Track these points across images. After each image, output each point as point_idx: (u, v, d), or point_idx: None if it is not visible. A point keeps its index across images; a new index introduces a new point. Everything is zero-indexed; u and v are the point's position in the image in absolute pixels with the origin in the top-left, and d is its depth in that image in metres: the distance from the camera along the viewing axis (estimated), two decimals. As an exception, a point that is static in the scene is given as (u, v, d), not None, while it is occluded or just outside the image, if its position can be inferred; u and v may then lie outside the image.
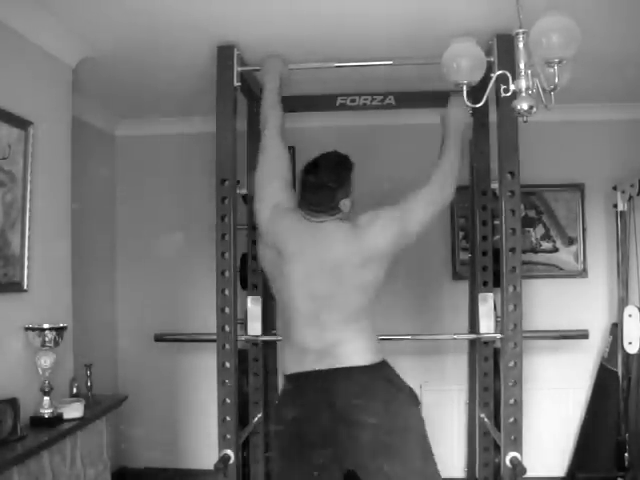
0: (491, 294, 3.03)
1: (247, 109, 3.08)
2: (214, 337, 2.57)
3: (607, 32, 2.54)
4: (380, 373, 2.05)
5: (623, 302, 3.50)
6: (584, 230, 3.79)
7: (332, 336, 2.02)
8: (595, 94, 3.43)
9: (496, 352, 3.03)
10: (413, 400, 2.07)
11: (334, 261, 2.03)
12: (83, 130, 3.35)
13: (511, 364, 2.45)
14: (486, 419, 3.03)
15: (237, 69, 2.64)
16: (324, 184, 2.08)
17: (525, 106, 1.63)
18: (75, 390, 2.59)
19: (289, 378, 2.10)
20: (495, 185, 2.75)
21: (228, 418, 2.54)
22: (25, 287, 2.34)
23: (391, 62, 2.59)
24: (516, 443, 2.41)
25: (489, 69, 1.99)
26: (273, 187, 2.20)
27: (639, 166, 3.50)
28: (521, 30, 1.68)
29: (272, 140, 2.30)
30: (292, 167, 3.64)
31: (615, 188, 3.56)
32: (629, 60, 2.88)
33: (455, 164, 2.21)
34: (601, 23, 2.43)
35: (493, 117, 2.66)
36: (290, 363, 2.10)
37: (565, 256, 3.80)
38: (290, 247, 2.07)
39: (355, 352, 2.02)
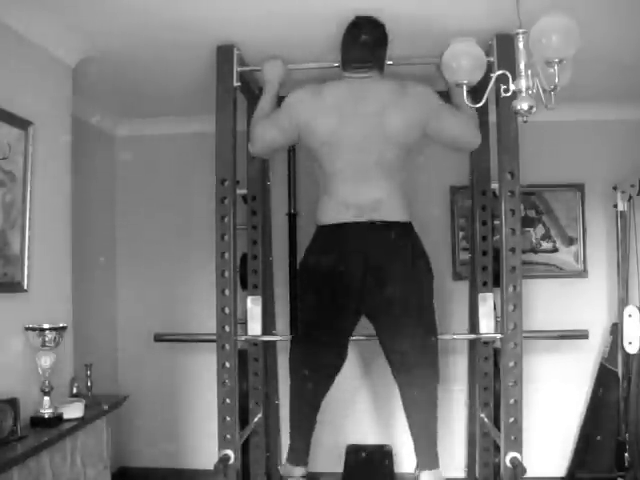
0: (491, 294, 3.03)
1: (247, 109, 3.08)
2: (214, 337, 2.57)
3: (607, 32, 2.54)
4: (411, 232, 2.36)
5: (623, 302, 3.50)
6: (584, 230, 3.79)
7: (373, 192, 2.29)
8: (595, 94, 3.42)
9: (496, 352, 3.04)
10: (430, 269, 2.40)
11: (381, 118, 2.30)
12: (83, 130, 3.35)
13: (511, 364, 2.45)
14: (486, 419, 3.03)
15: (237, 69, 2.65)
16: (375, 39, 2.34)
17: (525, 106, 1.63)
18: (75, 390, 2.59)
19: (327, 228, 2.34)
20: (495, 185, 2.76)
21: (228, 418, 2.54)
22: (25, 287, 2.34)
23: (391, 62, 2.59)
24: (516, 443, 2.41)
25: (489, 69, 1.99)
26: (286, 112, 2.45)
27: (639, 166, 3.50)
28: (521, 30, 1.67)
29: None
30: (293, 167, 3.67)
31: (615, 188, 3.56)
32: (629, 60, 2.88)
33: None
34: (601, 23, 2.43)
35: (493, 117, 2.66)
36: (328, 214, 2.34)
37: (565, 256, 3.80)
38: (341, 106, 2.33)
39: (395, 209, 2.30)
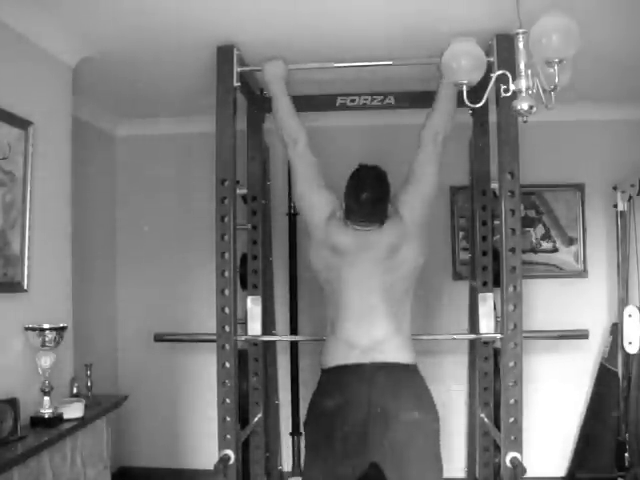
0: (491, 294, 3.03)
1: (247, 109, 3.08)
2: (214, 337, 2.57)
3: (607, 32, 2.54)
4: (417, 375, 2.27)
5: (623, 302, 3.50)
6: (584, 230, 3.79)
7: (378, 333, 2.21)
8: (595, 94, 3.42)
9: (496, 352, 3.03)
10: (436, 412, 2.25)
11: (380, 256, 2.25)
12: (83, 130, 3.35)
13: (511, 364, 2.45)
14: (486, 419, 3.03)
15: (237, 69, 2.64)
16: (378, 200, 2.27)
17: (525, 106, 1.63)
18: (75, 390, 2.59)
19: (331, 370, 2.26)
20: (495, 185, 2.75)
21: (228, 418, 2.54)
22: (25, 287, 2.34)
23: (391, 62, 2.59)
24: (516, 443, 2.41)
25: (489, 69, 1.98)
26: (324, 196, 2.37)
27: (639, 166, 3.50)
28: (521, 30, 1.67)
29: (307, 150, 2.42)
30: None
31: (615, 188, 3.56)
32: (629, 60, 2.88)
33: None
34: (601, 23, 2.43)
35: (493, 117, 2.66)
36: (333, 356, 2.26)
37: (565, 256, 3.80)
38: (347, 251, 2.27)
39: (397, 350, 2.23)
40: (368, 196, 2.26)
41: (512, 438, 2.42)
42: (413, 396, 2.22)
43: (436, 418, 2.26)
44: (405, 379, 2.23)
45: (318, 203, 2.36)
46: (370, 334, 2.22)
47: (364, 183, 2.29)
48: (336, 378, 2.24)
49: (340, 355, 2.24)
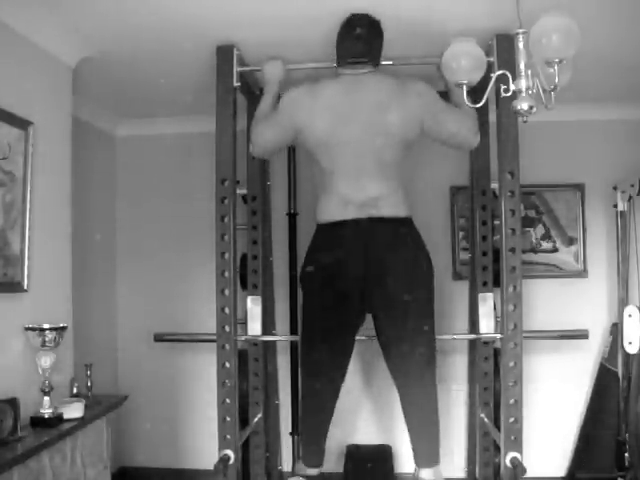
0: (491, 294, 3.03)
1: (247, 109, 3.08)
2: (214, 337, 2.58)
3: (607, 32, 2.54)
4: (412, 228, 2.35)
5: (623, 302, 3.50)
6: (584, 230, 3.79)
7: (372, 189, 2.28)
8: (595, 94, 3.42)
9: (496, 352, 3.04)
10: (430, 264, 2.37)
11: (379, 115, 2.30)
12: (83, 130, 3.35)
13: (511, 364, 2.45)
14: (486, 419, 3.03)
15: (237, 69, 2.65)
16: (370, 33, 2.34)
17: (525, 106, 1.63)
18: (75, 390, 2.59)
19: (327, 226, 2.34)
20: (495, 185, 2.75)
21: (228, 418, 2.54)
22: (25, 287, 2.34)
23: (391, 62, 2.59)
24: (516, 443, 2.41)
25: (489, 69, 1.99)
26: (283, 113, 2.44)
27: (639, 166, 3.50)
28: (521, 30, 1.68)
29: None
30: (293, 167, 3.66)
31: (615, 188, 3.56)
32: (629, 60, 2.88)
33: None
34: (601, 23, 2.43)
35: (493, 117, 2.66)
36: (329, 212, 2.34)
37: (565, 256, 3.80)
38: (339, 103, 2.33)
39: (392, 205, 2.30)
40: (361, 31, 2.33)
41: (512, 438, 2.42)
42: (409, 251, 2.30)
43: (431, 272, 2.36)
44: (401, 233, 2.31)
45: (296, 106, 2.40)
46: (365, 190, 2.28)
47: (356, 22, 2.35)
48: (333, 233, 2.32)
49: (336, 211, 2.31)
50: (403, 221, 2.34)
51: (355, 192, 2.29)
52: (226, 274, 2.56)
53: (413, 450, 2.44)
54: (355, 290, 2.28)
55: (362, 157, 2.31)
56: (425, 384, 2.38)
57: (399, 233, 2.31)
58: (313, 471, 2.49)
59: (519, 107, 1.64)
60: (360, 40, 2.34)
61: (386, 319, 2.33)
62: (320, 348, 2.38)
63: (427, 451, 2.39)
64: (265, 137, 2.50)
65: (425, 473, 2.38)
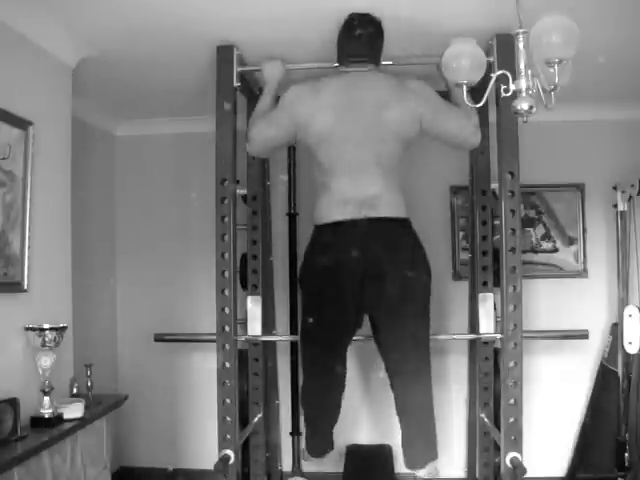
0: (491, 294, 3.03)
1: (247, 109, 3.08)
2: (214, 337, 2.57)
3: (607, 32, 2.54)
4: (410, 230, 2.36)
5: (623, 302, 3.50)
6: (584, 230, 3.79)
7: (371, 188, 2.28)
8: (595, 94, 3.42)
9: (496, 352, 3.04)
10: (428, 265, 2.38)
11: (379, 112, 2.31)
12: (83, 130, 3.35)
13: (511, 364, 2.45)
14: (486, 419, 3.03)
15: (237, 69, 2.64)
16: (371, 33, 2.36)
17: (525, 106, 1.63)
18: (75, 390, 2.59)
19: (325, 227, 2.34)
20: (495, 185, 2.75)
21: (228, 418, 2.54)
22: (25, 287, 2.34)
23: (391, 62, 2.59)
24: (516, 443, 2.41)
25: (489, 69, 1.99)
26: (283, 111, 2.44)
27: (639, 166, 3.50)
28: (521, 30, 1.67)
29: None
30: (293, 167, 3.66)
31: (615, 188, 3.56)
32: (629, 60, 2.88)
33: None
34: (601, 23, 2.43)
35: (493, 117, 2.66)
36: (327, 212, 2.34)
37: (565, 256, 3.80)
38: (339, 100, 2.33)
39: (391, 205, 2.30)
40: (362, 31, 2.35)
41: (512, 438, 2.42)
42: (407, 252, 2.31)
43: (428, 273, 2.37)
44: (399, 235, 2.32)
45: (296, 102, 2.40)
46: (364, 189, 2.28)
47: (358, 22, 2.37)
48: (331, 234, 2.32)
49: (334, 211, 2.30)
50: (401, 222, 2.34)
51: (354, 190, 2.29)
52: (226, 274, 2.56)
53: (406, 451, 2.40)
54: (353, 290, 2.29)
55: (362, 154, 2.32)
56: (421, 382, 2.39)
57: (397, 234, 2.32)
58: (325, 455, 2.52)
59: (519, 107, 1.64)
60: (361, 40, 2.36)
61: (383, 319, 2.34)
62: (319, 345, 2.40)
63: (424, 447, 2.38)
64: (264, 135, 2.50)
65: (423, 471, 2.38)
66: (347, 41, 2.39)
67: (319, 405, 2.48)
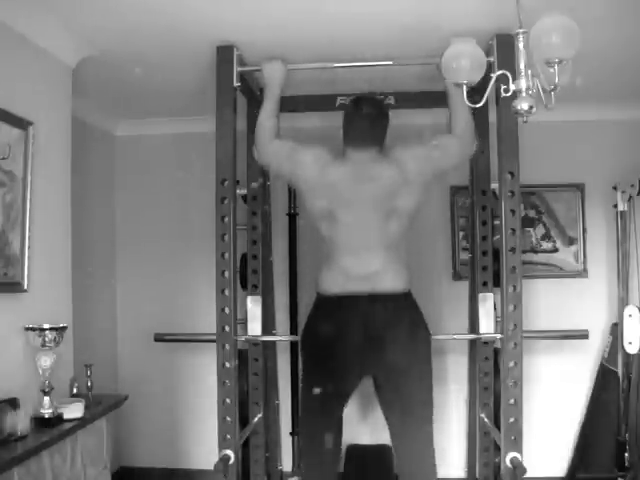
0: (491, 294, 3.03)
1: (247, 109, 3.08)
2: (214, 337, 2.58)
3: (608, 32, 2.54)
4: (412, 302, 2.37)
5: (623, 302, 3.50)
6: (584, 230, 3.79)
7: (375, 265, 2.30)
8: (595, 94, 3.42)
9: (496, 352, 3.04)
10: (429, 337, 2.40)
11: (378, 194, 2.32)
12: (83, 130, 3.35)
13: (511, 364, 2.45)
14: (486, 419, 3.03)
15: (237, 69, 2.64)
16: (375, 119, 2.38)
17: (525, 106, 1.63)
18: (75, 390, 2.59)
19: (328, 298, 2.35)
20: (495, 185, 2.76)
21: (228, 418, 2.54)
22: (25, 287, 2.34)
23: (391, 62, 2.59)
24: (516, 443, 2.41)
25: (489, 69, 1.98)
26: (308, 150, 2.44)
27: (639, 166, 3.50)
28: (521, 30, 1.67)
29: (279, 143, 2.51)
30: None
31: (615, 188, 3.56)
32: (629, 60, 2.88)
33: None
34: (601, 23, 2.43)
35: (493, 117, 2.66)
36: (329, 284, 2.35)
37: (565, 256, 3.80)
38: (344, 184, 2.34)
39: (393, 280, 2.31)
40: (366, 115, 2.37)
41: (512, 438, 2.42)
42: (408, 323, 2.33)
43: (428, 340, 2.39)
44: (400, 307, 2.33)
45: (303, 160, 2.41)
46: (366, 266, 2.30)
47: (362, 105, 2.39)
48: (333, 307, 2.33)
49: (336, 284, 2.33)
50: (403, 296, 2.35)
51: (356, 267, 2.31)
52: (226, 274, 2.56)
53: None
54: (353, 361, 2.31)
55: (366, 232, 2.33)
56: (422, 447, 2.37)
57: (398, 309, 2.33)
58: None
59: (519, 107, 1.64)
60: (365, 127, 2.38)
61: (384, 388, 2.37)
62: (318, 411, 2.40)
63: None
64: (268, 160, 2.53)
65: None
66: (351, 126, 2.40)
67: (319, 465, 2.46)
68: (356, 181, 2.35)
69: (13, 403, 2.04)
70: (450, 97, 2.48)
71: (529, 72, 1.65)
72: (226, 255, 2.56)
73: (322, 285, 2.38)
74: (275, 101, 2.55)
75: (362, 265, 2.30)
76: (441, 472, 2.45)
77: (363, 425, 3.75)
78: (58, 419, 2.24)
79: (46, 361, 2.24)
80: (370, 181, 2.34)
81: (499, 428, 2.54)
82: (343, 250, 2.34)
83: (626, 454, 3.36)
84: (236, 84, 2.65)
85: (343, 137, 2.42)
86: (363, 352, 2.28)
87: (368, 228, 2.33)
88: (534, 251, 3.80)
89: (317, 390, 2.35)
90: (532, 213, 3.81)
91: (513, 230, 2.48)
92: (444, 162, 2.43)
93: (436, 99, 2.77)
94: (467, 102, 1.82)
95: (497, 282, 2.85)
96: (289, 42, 2.67)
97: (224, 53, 2.64)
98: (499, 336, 2.61)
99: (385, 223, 2.33)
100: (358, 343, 2.28)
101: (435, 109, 2.87)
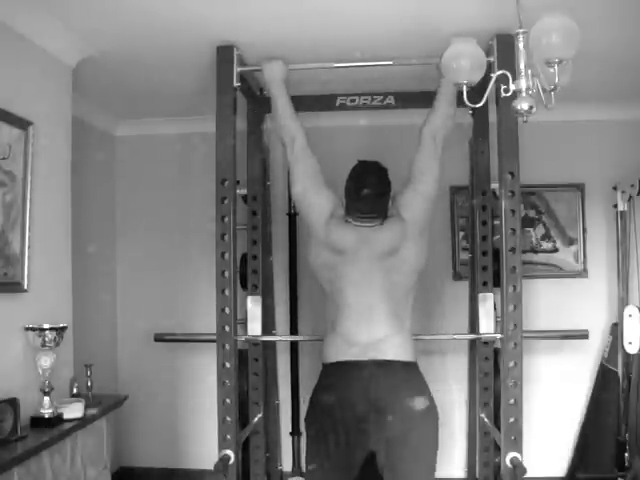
0: (491, 294, 3.03)
1: (247, 109, 3.08)
2: (214, 337, 2.57)
3: (608, 32, 2.54)
4: (416, 372, 2.28)
5: (623, 302, 3.50)
6: (584, 230, 3.79)
7: (378, 331, 2.22)
8: (595, 94, 3.42)
9: (496, 352, 3.04)
10: (434, 410, 2.26)
11: (382, 254, 2.26)
12: (83, 130, 3.35)
13: (511, 364, 2.45)
14: (486, 419, 3.03)
15: (237, 69, 2.64)
16: (378, 195, 2.29)
17: (525, 106, 1.63)
18: (75, 390, 2.59)
19: (331, 366, 2.28)
20: (495, 185, 2.75)
21: (228, 418, 2.54)
22: (25, 287, 2.34)
23: (391, 62, 2.59)
24: (516, 443, 2.41)
25: (489, 69, 1.99)
26: (324, 195, 2.37)
27: (639, 166, 3.50)
28: (521, 30, 1.67)
29: (305, 151, 2.42)
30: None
31: (615, 188, 3.57)
32: (630, 60, 2.88)
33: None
34: (601, 23, 2.43)
35: (493, 117, 2.66)
36: (333, 352, 2.28)
37: (565, 256, 3.80)
38: (347, 249, 2.27)
39: (397, 347, 2.24)
40: (369, 192, 2.27)
41: (512, 438, 2.42)
42: (411, 393, 2.24)
43: (434, 415, 2.27)
44: (404, 377, 2.25)
45: (318, 202, 2.36)
46: (370, 332, 2.23)
47: (364, 179, 2.30)
48: (336, 374, 2.27)
49: (340, 351, 2.26)
50: (407, 365, 2.26)
51: (359, 334, 2.24)
52: (226, 274, 2.56)
53: None
54: (356, 433, 2.22)
55: (368, 300, 2.26)
56: None
57: (402, 379, 2.25)
58: None
59: (519, 107, 1.64)
60: (368, 200, 2.28)
61: (387, 460, 2.25)
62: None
63: None
64: (293, 167, 2.44)
65: None
66: (354, 199, 2.30)
67: None
68: (360, 242, 2.28)
69: (13, 403, 2.04)
70: (439, 93, 2.45)
71: (529, 72, 1.66)
72: (226, 255, 2.56)
73: (326, 354, 2.30)
74: (283, 101, 2.48)
75: (366, 332, 2.22)
76: (441, 472, 2.45)
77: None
78: (58, 419, 2.24)
79: (46, 361, 2.25)
80: (375, 242, 2.28)
81: (499, 428, 2.54)
82: (346, 316, 2.26)
83: (626, 454, 3.36)
84: (236, 84, 2.64)
85: (345, 207, 2.34)
86: (367, 419, 2.19)
87: (371, 291, 2.25)
88: (534, 251, 3.80)
89: (321, 466, 2.26)
90: (532, 213, 3.81)
91: (513, 230, 2.48)
92: (430, 186, 2.37)
93: (436, 99, 2.76)
94: (467, 102, 1.81)
95: (497, 282, 2.85)
96: (289, 42, 2.67)
97: (224, 53, 2.64)
98: (499, 336, 2.61)
99: (389, 285, 2.25)
100: (362, 410, 2.18)
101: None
